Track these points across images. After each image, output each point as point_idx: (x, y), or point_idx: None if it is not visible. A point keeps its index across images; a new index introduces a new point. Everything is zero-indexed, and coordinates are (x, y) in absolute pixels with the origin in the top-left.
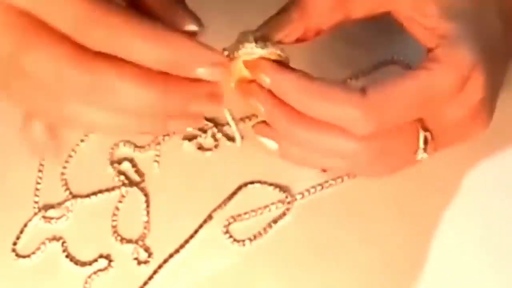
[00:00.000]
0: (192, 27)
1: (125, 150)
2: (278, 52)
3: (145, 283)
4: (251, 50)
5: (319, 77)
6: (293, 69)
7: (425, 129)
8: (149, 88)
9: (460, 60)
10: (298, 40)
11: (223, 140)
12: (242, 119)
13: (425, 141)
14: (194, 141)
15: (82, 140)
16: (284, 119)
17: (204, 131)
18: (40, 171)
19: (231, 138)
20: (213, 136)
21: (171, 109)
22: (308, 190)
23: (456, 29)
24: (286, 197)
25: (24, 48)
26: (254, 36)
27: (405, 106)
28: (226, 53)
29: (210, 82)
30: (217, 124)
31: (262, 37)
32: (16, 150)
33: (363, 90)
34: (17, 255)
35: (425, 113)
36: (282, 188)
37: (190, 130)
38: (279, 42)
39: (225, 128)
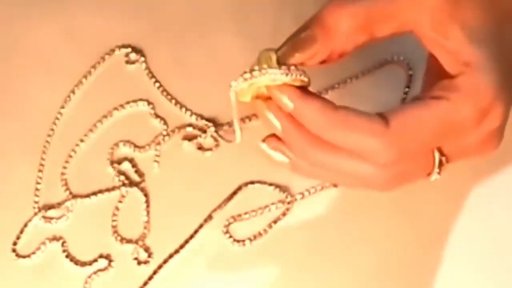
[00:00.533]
0: None
1: (125, 150)
2: (302, 77)
3: (145, 283)
4: (275, 77)
5: (341, 106)
6: (316, 96)
7: (441, 154)
8: None
9: (483, 93)
10: (321, 63)
11: (223, 140)
12: (242, 120)
13: (440, 165)
14: (194, 141)
15: (82, 140)
16: (301, 140)
17: (204, 131)
18: (40, 171)
19: (228, 140)
20: (213, 136)
21: None
22: (308, 190)
23: (480, 55)
24: (286, 197)
25: None
26: (276, 57)
27: (426, 137)
28: (247, 75)
29: None
30: (217, 124)
31: (284, 56)
32: (16, 150)
33: (385, 120)
34: (17, 255)
35: (444, 142)
36: (282, 188)
37: (190, 130)
38: (301, 65)
39: (225, 128)
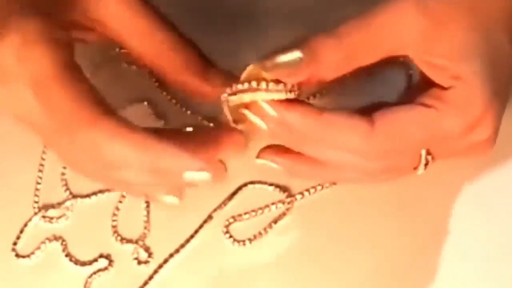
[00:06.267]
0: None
1: None
2: (289, 95)
3: (145, 283)
4: (265, 95)
5: (325, 108)
6: (299, 103)
7: (428, 153)
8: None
9: (472, 107)
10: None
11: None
12: (242, 120)
13: (426, 163)
14: None
15: None
16: (291, 137)
17: None
18: (40, 171)
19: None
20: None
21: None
22: (308, 190)
23: (469, 70)
24: (286, 197)
25: (80, 125)
26: (263, 76)
27: (410, 141)
28: (237, 86)
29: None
30: (218, 123)
31: (265, 69)
32: (16, 150)
33: (371, 121)
34: (17, 255)
35: (430, 147)
36: (282, 188)
37: (190, 129)
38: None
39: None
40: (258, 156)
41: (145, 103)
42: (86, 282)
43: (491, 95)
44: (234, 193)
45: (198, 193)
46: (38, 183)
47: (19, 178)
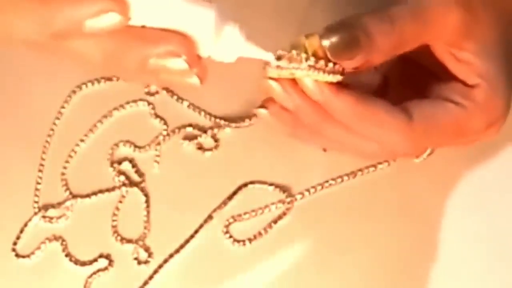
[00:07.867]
0: None
1: (125, 150)
2: (339, 76)
3: (145, 283)
4: (321, 76)
5: (370, 98)
6: (347, 90)
7: None
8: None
9: (495, 109)
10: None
11: (223, 140)
12: (242, 119)
13: (430, 153)
14: (194, 141)
15: (82, 140)
16: (316, 117)
17: (204, 131)
18: (40, 171)
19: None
20: (213, 136)
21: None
22: (308, 190)
23: (493, 71)
24: (286, 197)
25: None
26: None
27: (440, 137)
28: (284, 63)
29: None
30: (232, 120)
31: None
32: (16, 150)
33: (409, 115)
34: (17, 255)
35: (449, 142)
36: (282, 188)
37: (190, 130)
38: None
39: (226, 130)
40: (263, 106)
41: (145, 103)
42: (86, 282)
43: (508, 100)
44: (234, 193)
45: (198, 193)
46: (38, 183)
47: (19, 178)
